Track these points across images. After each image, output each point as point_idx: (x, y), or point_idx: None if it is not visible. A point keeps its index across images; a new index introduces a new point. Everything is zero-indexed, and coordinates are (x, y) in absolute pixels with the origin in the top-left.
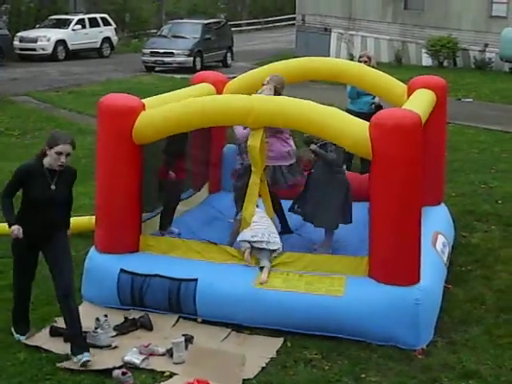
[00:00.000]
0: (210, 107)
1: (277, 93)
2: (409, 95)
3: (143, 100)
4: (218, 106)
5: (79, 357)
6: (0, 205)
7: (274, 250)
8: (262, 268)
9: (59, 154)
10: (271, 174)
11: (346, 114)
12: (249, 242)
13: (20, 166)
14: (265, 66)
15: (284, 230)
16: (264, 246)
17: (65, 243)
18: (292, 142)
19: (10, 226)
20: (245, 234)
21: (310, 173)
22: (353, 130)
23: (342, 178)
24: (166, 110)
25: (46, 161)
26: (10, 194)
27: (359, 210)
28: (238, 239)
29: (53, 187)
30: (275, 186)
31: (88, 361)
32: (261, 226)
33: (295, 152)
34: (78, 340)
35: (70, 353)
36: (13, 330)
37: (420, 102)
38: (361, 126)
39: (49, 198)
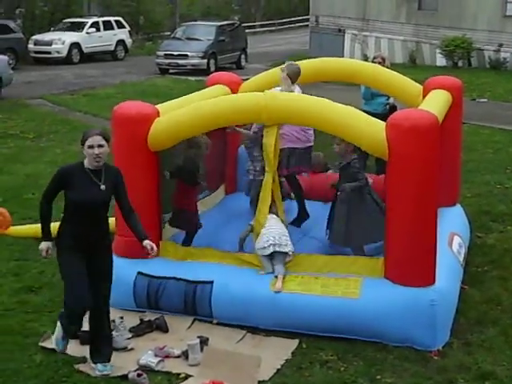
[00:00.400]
0: (223, 107)
1: (292, 80)
2: (424, 96)
3: (157, 106)
4: (231, 105)
5: (100, 367)
6: (39, 210)
7: (286, 253)
8: (276, 276)
9: (91, 147)
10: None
11: (363, 113)
12: (264, 248)
13: (60, 167)
14: (279, 67)
15: (301, 214)
16: (277, 248)
17: (106, 262)
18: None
19: (42, 240)
20: (260, 243)
21: (336, 194)
22: (369, 130)
23: (368, 197)
24: (180, 114)
25: (86, 161)
26: (49, 199)
27: None
28: (257, 252)
29: (103, 187)
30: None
31: (108, 374)
32: (273, 230)
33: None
34: (102, 347)
35: (89, 358)
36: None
37: (436, 103)
38: (377, 126)
39: (99, 199)
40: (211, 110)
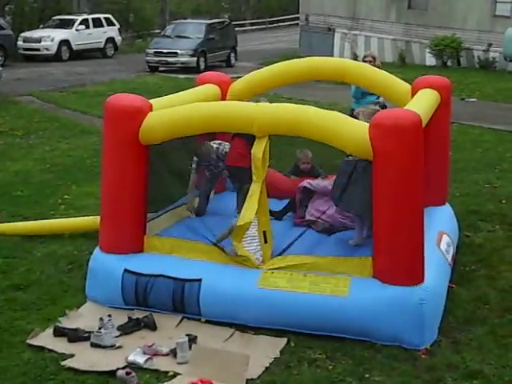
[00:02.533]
0: (217, 113)
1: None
2: (413, 95)
3: (150, 100)
4: (225, 113)
5: None
6: None
7: None
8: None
9: None
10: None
11: (347, 116)
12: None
13: None
14: (269, 66)
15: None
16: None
17: None
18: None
19: None
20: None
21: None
22: (353, 132)
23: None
24: (174, 112)
25: None
26: None
27: None
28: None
29: None
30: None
31: None
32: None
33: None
34: None
35: None
36: None
37: (423, 102)
38: (361, 128)
39: None
40: (206, 114)
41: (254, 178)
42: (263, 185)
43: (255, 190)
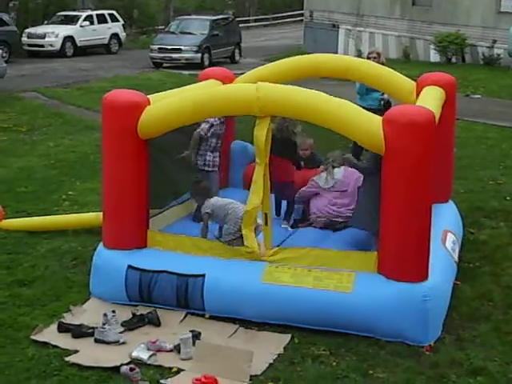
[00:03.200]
0: (215, 97)
1: None
2: (418, 92)
3: (149, 96)
4: (223, 96)
5: None
6: None
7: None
8: None
9: None
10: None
11: (359, 107)
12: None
13: None
14: (273, 63)
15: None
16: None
17: None
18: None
19: None
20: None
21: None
22: (366, 125)
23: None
24: (171, 103)
25: None
26: None
27: None
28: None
29: None
30: None
31: None
32: None
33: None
34: None
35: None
36: None
37: (432, 100)
38: (374, 121)
39: None
40: (203, 100)
41: (257, 160)
42: (266, 168)
43: (259, 173)
